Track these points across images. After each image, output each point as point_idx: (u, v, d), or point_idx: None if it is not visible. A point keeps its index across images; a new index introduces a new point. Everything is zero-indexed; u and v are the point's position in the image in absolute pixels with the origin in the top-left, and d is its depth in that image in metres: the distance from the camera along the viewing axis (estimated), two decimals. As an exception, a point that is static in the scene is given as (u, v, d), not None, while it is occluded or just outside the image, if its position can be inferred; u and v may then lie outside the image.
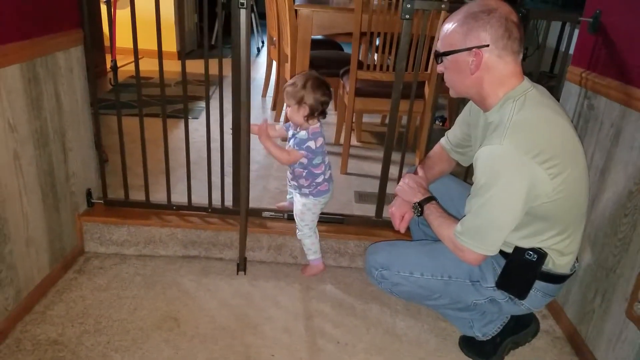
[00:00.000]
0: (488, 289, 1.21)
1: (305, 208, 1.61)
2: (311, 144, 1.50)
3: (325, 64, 2.76)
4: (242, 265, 1.65)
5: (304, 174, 1.56)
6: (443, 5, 1.45)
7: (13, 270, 1.35)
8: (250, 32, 1.47)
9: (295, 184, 1.62)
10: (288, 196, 1.81)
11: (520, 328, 1.36)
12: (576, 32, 1.57)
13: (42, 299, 1.48)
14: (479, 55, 1.05)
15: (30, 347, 1.30)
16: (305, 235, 1.64)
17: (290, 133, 1.58)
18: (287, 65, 2.59)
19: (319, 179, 1.58)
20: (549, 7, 3.05)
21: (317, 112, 1.50)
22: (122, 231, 1.71)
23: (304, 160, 1.54)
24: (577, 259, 1.23)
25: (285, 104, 1.56)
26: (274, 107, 3.20)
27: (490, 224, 1.08)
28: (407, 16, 1.45)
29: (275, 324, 1.46)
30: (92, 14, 1.64)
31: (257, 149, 2.44)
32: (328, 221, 1.78)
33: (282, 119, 2.78)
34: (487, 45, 1.04)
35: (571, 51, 1.60)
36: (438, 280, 1.24)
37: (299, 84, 1.49)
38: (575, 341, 1.44)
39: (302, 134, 1.52)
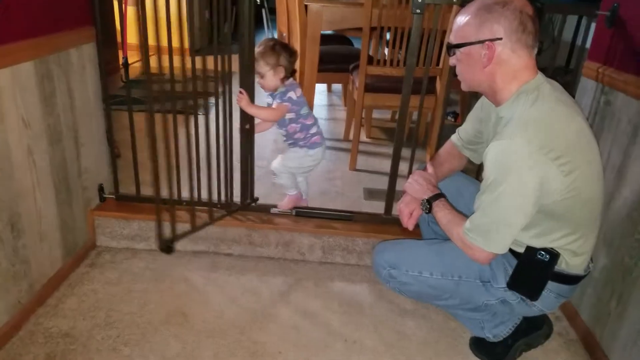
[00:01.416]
0: (499, 290, 1.18)
1: (294, 155, 1.66)
2: (291, 94, 1.56)
3: (335, 59, 2.74)
4: (164, 246, 1.55)
5: (298, 128, 1.61)
6: (455, 0, 1.43)
7: (26, 264, 1.37)
8: (253, 18, 1.47)
9: (292, 141, 1.67)
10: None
11: (533, 330, 1.33)
12: (593, 25, 1.52)
13: (55, 292, 1.50)
14: (492, 48, 1.03)
15: (43, 339, 1.33)
16: (282, 178, 1.67)
17: (269, 99, 1.63)
18: (297, 61, 2.58)
19: (313, 130, 1.65)
20: (564, 1, 2.98)
21: (290, 71, 1.56)
22: (133, 226, 1.72)
23: (292, 115, 1.58)
24: (591, 259, 1.20)
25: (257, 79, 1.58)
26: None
27: (500, 221, 1.05)
28: (418, 10, 1.43)
29: (283, 320, 1.46)
30: (104, 11, 1.65)
31: (263, 144, 2.44)
32: (337, 218, 1.77)
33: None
34: (501, 39, 1.02)
35: (587, 45, 1.56)
36: (448, 280, 1.22)
37: (267, 49, 1.53)
38: (590, 344, 1.40)
39: (282, 87, 1.58)
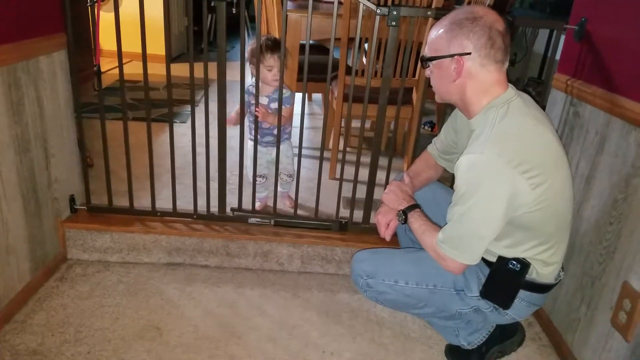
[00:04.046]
0: (472, 299, 1.20)
1: (292, 151, 1.83)
2: (293, 96, 1.75)
3: (314, 68, 2.74)
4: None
5: (289, 123, 1.81)
6: (429, 13, 1.45)
7: (-9, 279, 1.32)
8: (225, 27, 1.49)
9: (286, 136, 1.82)
10: (262, 194, 1.92)
11: (506, 337, 1.35)
12: (563, 38, 1.57)
13: (23, 307, 1.45)
14: (461, 62, 1.05)
15: (9, 357, 1.27)
16: (295, 174, 1.76)
17: (265, 99, 1.73)
18: (277, 70, 2.58)
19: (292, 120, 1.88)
20: (537, 14, 3.07)
21: None
22: (105, 238, 1.68)
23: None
24: (562, 268, 1.23)
25: (271, 76, 1.67)
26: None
27: (470, 233, 1.07)
28: (394, 23, 1.45)
29: (260, 333, 1.44)
30: (78, 17, 1.61)
31: (249, 155, 2.42)
32: (315, 227, 1.76)
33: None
34: (469, 53, 1.04)
35: (558, 57, 1.61)
36: (423, 289, 1.23)
37: (278, 43, 1.64)
38: (562, 349, 1.43)
39: (286, 91, 1.68)
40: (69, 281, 1.59)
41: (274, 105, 1.72)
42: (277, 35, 2.51)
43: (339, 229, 1.73)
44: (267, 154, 1.83)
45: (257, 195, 1.79)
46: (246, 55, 1.61)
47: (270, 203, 1.81)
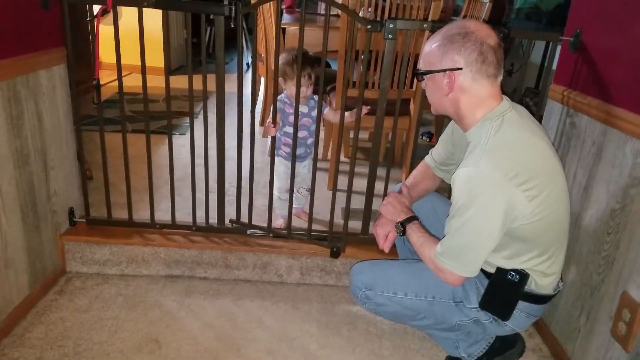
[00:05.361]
0: (472, 310, 1.20)
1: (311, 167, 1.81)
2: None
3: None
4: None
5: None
6: (425, 25, 1.47)
7: (-10, 293, 1.32)
8: (223, 40, 1.51)
9: (304, 152, 1.82)
10: (279, 210, 1.90)
11: (506, 348, 1.35)
12: (559, 49, 1.59)
13: (22, 321, 1.45)
14: (452, 77, 1.06)
15: (7, 372, 1.27)
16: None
17: (305, 107, 1.78)
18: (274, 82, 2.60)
19: None
20: (533, 25, 3.10)
21: None
22: (104, 250, 1.68)
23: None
24: (561, 278, 1.23)
25: (293, 89, 1.69)
26: (262, 123, 3.19)
27: (468, 245, 1.07)
28: (390, 36, 1.46)
29: (260, 345, 1.43)
30: (79, 31, 1.63)
31: (244, 166, 2.43)
32: (315, 238, 1.76)
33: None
34: (461, 69, 1.05)
35: (554, 68, 1.62)
36: (422, 300, 1.23)
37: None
38: (562, 360, 1.43)
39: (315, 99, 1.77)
40: (67, 294, 1.59)
41: (314, 113, 1.77)
42: (272, 47, 2.53)
43: (331, 256, 1.67)
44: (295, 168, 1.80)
45: (292, 208, 1.75)
46: (266, 67, 1.66)
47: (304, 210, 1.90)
